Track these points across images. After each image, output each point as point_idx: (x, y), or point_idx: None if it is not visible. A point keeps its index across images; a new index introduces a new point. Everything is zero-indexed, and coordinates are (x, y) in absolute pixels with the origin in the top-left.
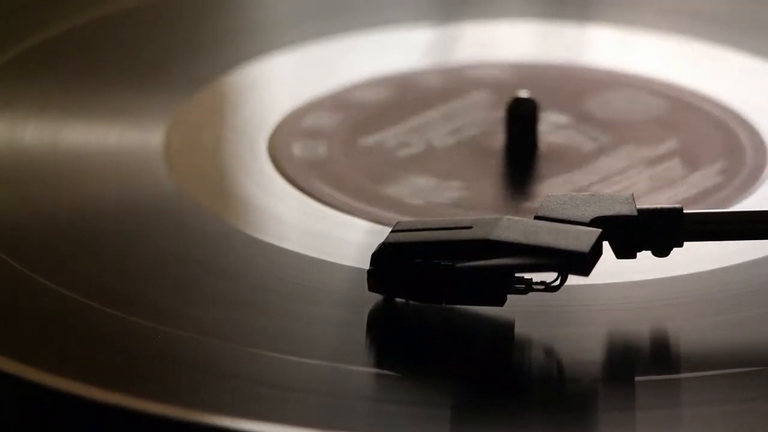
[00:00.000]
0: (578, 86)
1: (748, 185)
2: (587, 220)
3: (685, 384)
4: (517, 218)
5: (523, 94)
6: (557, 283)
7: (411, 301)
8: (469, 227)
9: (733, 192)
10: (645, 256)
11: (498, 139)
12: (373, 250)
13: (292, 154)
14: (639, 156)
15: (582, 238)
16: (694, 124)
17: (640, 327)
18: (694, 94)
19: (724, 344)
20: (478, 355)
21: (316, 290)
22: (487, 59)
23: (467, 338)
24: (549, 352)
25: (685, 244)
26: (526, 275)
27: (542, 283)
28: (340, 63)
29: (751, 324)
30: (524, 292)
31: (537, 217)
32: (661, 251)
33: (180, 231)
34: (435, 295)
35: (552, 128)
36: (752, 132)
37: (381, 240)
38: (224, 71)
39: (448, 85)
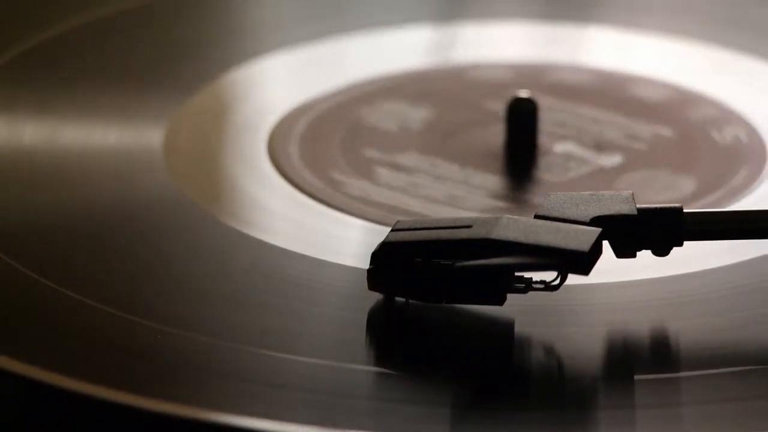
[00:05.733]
0: (578, 86)
1: (747, 185)
2: (587, 219)
3: (685, 383)
4: (516, 217)
5: (523, 94)
6: (557, 282)
7: (411, 300)
8: (469, 226)
9: (733, 192)
10: (645, 255)
11: (498, 138)
12: (373, 249)
13: (292, 154)
14: (627, 166)
15: (582, 238)
16: (696, 132)
17: (640, 326)
18: (694, 95)
19: (724, 344)
20: (478, 355)
21: (316, 289)
22: (487, 59)
23: (467, 337)
24: (549, 352)
25: (685, 243)
26: (526, 274)
27: (542, 282)
28: (340, 63)
29: (751, 324)
30: (524, 291)
31: (537, 216)
32: (661, 250)
33: (179, 231)
34: (435, 294)
35: (551, 129)
36: (752, 132)
37: (381, 239)
38: (223, 71)
39: (447, 85)
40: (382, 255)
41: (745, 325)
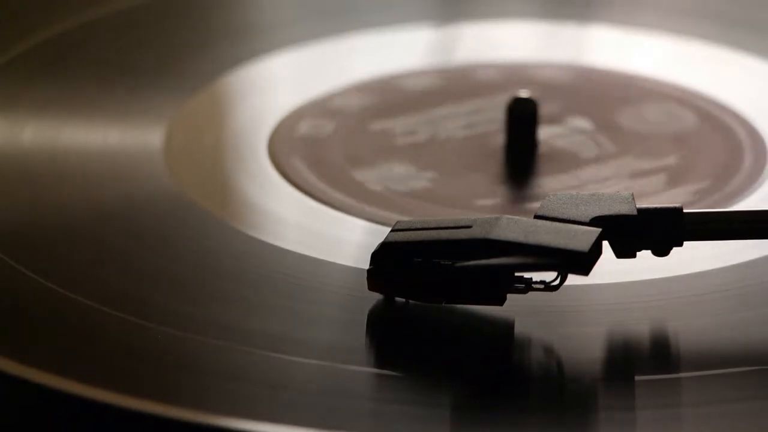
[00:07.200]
0: (578, 86)
1: (748, 185)
2: (587, 219)
3: (685, 383)
4: (516, 217)
5: (523, 94)
6: (557, 282)
7: (411, 301)
8: (469, 226)
9: (734, 192)
10: (645, 256)
11: (498, 138)
12: (373, 250)
13: (292, 154)
14: (627, 166)
15: (582, 238)
16: (697, 132)
17: (640, 327)
18: (695, 94)
19: (724, 344)
20: (478, 355)
21: (316, 290)
22: (488, 59)
23: (467, 338)
24: (549, 352)
25: (685, 243)
26: (526, 274)
27: (542, 282)
28: (340, 63)
29: (751, 324)
30: (524, 291)
31: (537, 217)
32: (661, 251)
33: (179, 231)
34: (435, 295)
35: (551, 128)
36: (752, 132)
37: (381, 239)
38: (224, 71)
39: (447, 86)
40: (382, 255)
41: (745, 325)
